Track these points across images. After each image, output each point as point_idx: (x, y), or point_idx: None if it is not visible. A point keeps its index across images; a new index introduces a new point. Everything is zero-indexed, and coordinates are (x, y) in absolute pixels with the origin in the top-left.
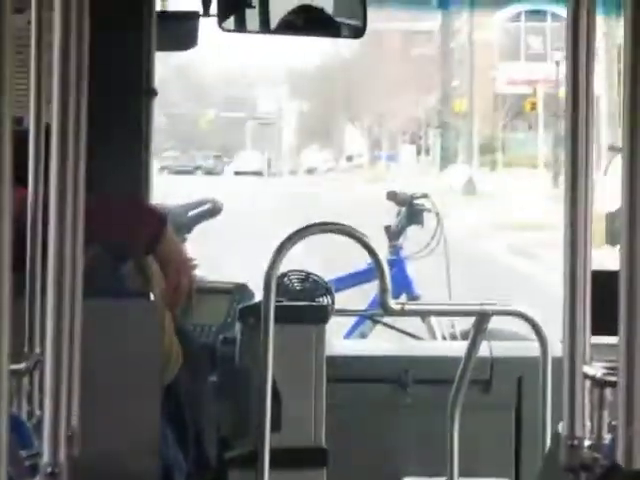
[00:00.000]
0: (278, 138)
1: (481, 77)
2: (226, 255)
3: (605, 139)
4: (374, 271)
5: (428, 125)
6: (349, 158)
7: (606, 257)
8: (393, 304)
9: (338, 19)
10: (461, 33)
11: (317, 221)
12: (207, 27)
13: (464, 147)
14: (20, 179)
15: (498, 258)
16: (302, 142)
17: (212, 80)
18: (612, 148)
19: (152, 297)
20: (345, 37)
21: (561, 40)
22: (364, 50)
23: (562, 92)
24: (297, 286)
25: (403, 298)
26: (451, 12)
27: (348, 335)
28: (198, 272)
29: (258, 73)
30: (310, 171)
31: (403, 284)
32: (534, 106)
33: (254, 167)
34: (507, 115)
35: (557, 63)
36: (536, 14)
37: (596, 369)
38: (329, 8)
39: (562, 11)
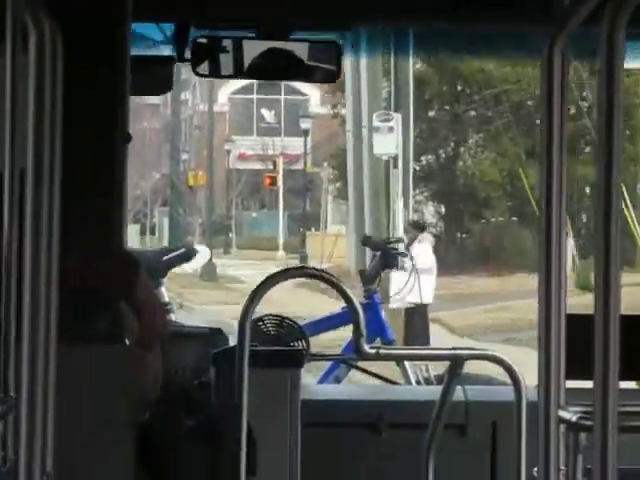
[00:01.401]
0: None
1: (214, 151)
2: None
3: None
4: (349, 315)
5: (155, 202)
6: None
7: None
8: (367, 348)
9: (312, 63)
10: (189, 105)
11: (292, 266)
12: None
13: (197, 225)
14: None
15: None
16: None
17: None
18: (414, 225)
19: (127, 342)
20: (319, 81)
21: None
22: None
23: (309, 167)
24: (272, 331)
25: (378, 342)
26: (181, 83)
27: (323, 379)
28: (173, 316)
29: None
30: None
31: (378, 328)
32: (274, 181)
33: None
34: (241, 192)
35: (306, 132)
36: (269, 86)
37: (571, 413)
38: (303, 52)
39: (299, 84)
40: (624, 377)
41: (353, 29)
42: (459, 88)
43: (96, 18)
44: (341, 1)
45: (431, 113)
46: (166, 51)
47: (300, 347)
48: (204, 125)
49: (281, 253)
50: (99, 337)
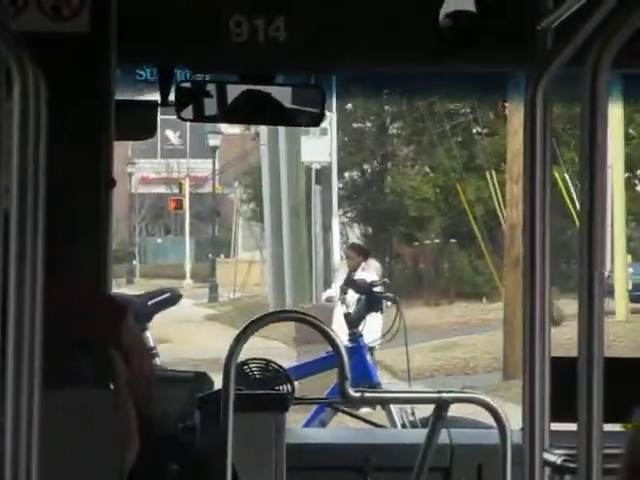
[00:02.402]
0: None
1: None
2: None
3: None
4: (334, 359)
5: None
6: None
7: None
8: (352, 392)
9: (295, 107)
10: None
11: (276, 309)
12: None
13: None
14: None
15: None
16: None
17: None
18: (357, 249)
19: (112, 386)
20: (301, 125)
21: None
22: None
23: (218, 187)
24: (257, 375)
25: (363, 385)
26: None
27: (308, 423)
28: (158, 361)
29: None
30: None
31: (363, 372)
32: (179, 205)
33: None
34: (145, 217)
35: (214, 149)
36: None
37: (556, 456)
38: (287, 96)
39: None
40: (608, 419)
41: (334, 73)
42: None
43: (81, 62)
44: (322, 46)
45: (355, 124)
46: (148, 95)
47: (285, 391)
48: None
49: (188, 282)
50: (84, 381)
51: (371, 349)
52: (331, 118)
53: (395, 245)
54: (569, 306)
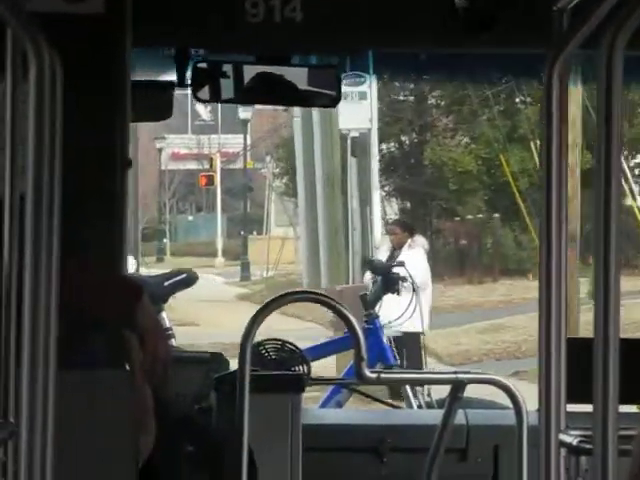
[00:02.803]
0: None
1: (142, 151)
2: None
3: None
4: (350, 339)
5: None
6: None
7: None
8: (368, 373)
9: (311, 88)
10: None
11: (291, 290)
12: None
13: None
14: None
15: None
16: None
17: None
18: (402, 225)
19: (127, 367)
20: (318, 106)
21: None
22: None
23: (249, 163)
24: (273, 355)
25: (379, 366)
26: None
27: (324, 404)
28: (174, 342)
29: None
30: None
31: (379, 353)
32: (210, 181)
33: None
34: (175, 194)
35: (245, 122)
36: None
37: (572, 437)
38: (303, 77)
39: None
40: (624, 401)
41: (350, 54)
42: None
43: (96, 44)
44: (338, 26)
45: (393, 96)
46: (166, 76)
47: (301, 372)
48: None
49: (220, 260)
50: (100, 362)
51: (418, 335)
52: (370, 81)
53: (435, 220)
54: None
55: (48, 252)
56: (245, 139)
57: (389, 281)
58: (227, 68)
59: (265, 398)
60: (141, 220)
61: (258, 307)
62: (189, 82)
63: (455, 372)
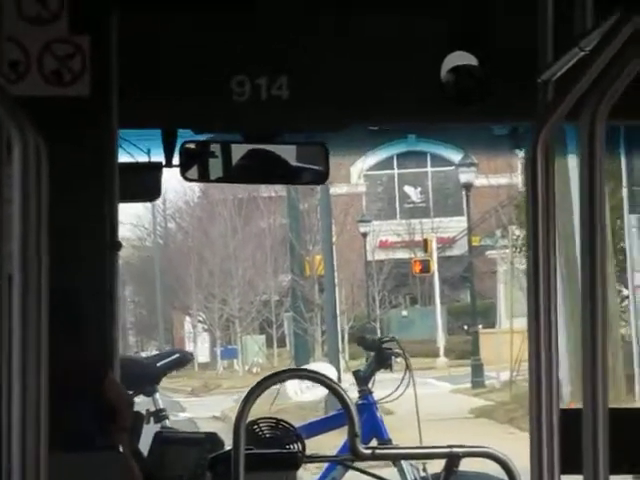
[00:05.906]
0: None
1: (345, 239)
2: None
3: None
4: (344, 416)
5: (281, 306)
6: None
7: None
8: (363, 449)
9: (300, 165)
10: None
11: (286, 368)
12: None
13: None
14: None
15: None
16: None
17: None
18: None
19: (121, 449)
20: (306, 184)
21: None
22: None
23: (475, 239)
24: (267, 434)
25: (374, 443)
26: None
27: None
28: (168, 422)
29: None
30: None
31: (373, 428)
32: (426, 267)
33: None
34: (385, 286)
35: (468, 188)
36: (410, 157)
37: None
38: (291, 154)
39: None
40: (615, 471)
41: (338, 130)
42: None
43: (82, 126)
44: (325, 103)
45: None
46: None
47: (296, 449)
48: (335, 210)
49: (443, 360)
50: (93, 444)
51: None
52: None
53: None
54: None
55: (36, 336)
56: (468, 211)
57: (382, 357)
58: (215, 147)
59: (260, 476)
60: (347, 317)
61: (505, 429)
62: (177, 162)
63: (450, 446)
